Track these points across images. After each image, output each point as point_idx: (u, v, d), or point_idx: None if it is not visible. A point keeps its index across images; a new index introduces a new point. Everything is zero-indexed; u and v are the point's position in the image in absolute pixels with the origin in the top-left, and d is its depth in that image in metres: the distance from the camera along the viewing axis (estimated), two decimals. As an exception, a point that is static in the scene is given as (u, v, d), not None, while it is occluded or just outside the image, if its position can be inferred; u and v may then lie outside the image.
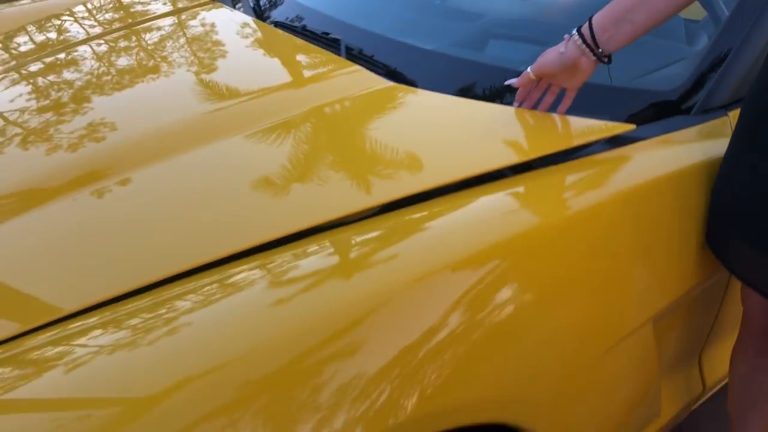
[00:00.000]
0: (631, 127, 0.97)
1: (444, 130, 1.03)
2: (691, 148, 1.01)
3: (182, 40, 1.47)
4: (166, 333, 0.66)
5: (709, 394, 1.29)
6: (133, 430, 0.58)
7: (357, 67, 1.21)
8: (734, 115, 1.04)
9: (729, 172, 0.97)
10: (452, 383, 0.71)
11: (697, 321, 1.12)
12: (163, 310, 0.69)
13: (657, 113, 1.06)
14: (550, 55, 1.00)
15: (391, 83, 1.15)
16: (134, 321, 0.69)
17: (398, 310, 0.70)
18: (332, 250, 0.77)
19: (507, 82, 1.05)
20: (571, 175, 0.92)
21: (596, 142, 0.97)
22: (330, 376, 0.64)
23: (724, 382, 1.30)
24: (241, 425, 0.60)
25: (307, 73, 1.25)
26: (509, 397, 0.78)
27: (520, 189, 0.88)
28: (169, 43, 1.46)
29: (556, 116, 1.02)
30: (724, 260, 0.99)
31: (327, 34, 1.37)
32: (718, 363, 1.22)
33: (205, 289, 0.72)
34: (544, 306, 0.81)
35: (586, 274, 0.86)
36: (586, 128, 0.98)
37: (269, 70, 1.30)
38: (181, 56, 1.36)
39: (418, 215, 0.82)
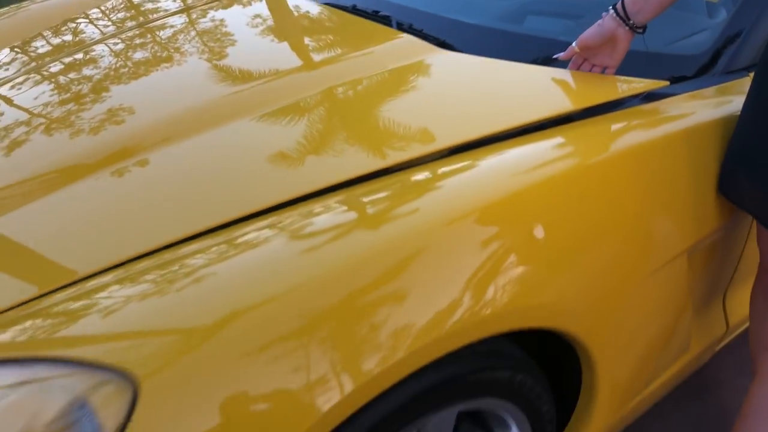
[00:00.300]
0: (665, 83, 1.09)
1: (494, 87, 1.15)
2: (717, 103, 1.13)
3: (238, 18, 1.60)
4: (208, 274, 0.75)
5: (731, 337, 1.41)
6: (197, 357, 0.67)
7: (411, 37, 1.34)
8: (756, 75, 1.17)
9: (743, 123, 1.09)
10: (504, 293, 0.82)
11: (721, 263, 1.23)
12: (212, 252, 0.79)
13: (687, 74, 1.18)
14: (591, 30, 1.14)
15: (443, 50, 1.28)
16: (176, 266, 0.78)
17: (448, 242, 0.80)
18: (392, 191, 0.88)
19: (555, 56, 1.19)
20: (613, 124, 1.04)
21: (635, 96, 1.09)
22: (387, 294, 0.75)
23: (745, 326, 1.42)
24: (311, 349, 0.70)
25: (362, 43, 1.38)
26: (557, 306, 0.89)
27: (566, 136, 1.01)
28: (222, 22, 1.59)
29: (598, 75, 1.15)
30: (735, 200, 1.11)
31: (377, 12, 1.50)
32: (740, 306, 1.34)
33: (239, 239, 0.81)
34: (586, 234, 0.92)
35: (625, 207, 0.98)
36: (626, 85, 1.11)
37: (328, 42, 1.43)
38: (247, 32, 1.49)
39: (469, 162, 0.93)
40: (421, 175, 0.91)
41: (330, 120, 1.09)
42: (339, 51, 1.34)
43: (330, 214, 0.83)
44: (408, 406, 0.81)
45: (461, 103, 1.10)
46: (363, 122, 1.07)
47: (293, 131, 1.06)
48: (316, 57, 1.34)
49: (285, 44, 1.44)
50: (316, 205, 0.86)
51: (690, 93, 1.13)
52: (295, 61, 1.33)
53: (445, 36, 1.35)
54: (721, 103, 1.13)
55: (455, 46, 1.33)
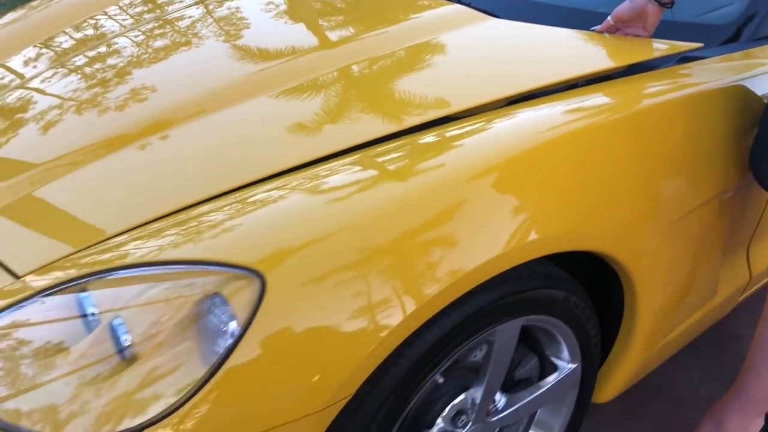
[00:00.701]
0: (699, 45, 1.22)
1: (543, 48, 1.28)
2: (744, 65, 1.25)
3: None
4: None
5: (754, 289, 1.52)
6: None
7: (460, 6, 1.48)
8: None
9: None
10: (557, 220, 0.94)
11: (746, 214, 1.35)
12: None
13: (716, 41, 1.30)
14: (624, 4, 1.28)
15: (492, 17, 1.41)
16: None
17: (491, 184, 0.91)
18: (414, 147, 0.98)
19: (592, 29, 1.32)
20: (650, 81, 1.17)
21: (670, 57, 1.22)
22: (439, 230, 0.85)
23: (765, 280, 1.54)
24: (371, 279, 0.80)
25: (413, 10, 1.51)
26: (604, 234, 1.01)
27: (607, 91, 1.13)
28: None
29: (636, 39, 1.27)
30: (761, 180, 1.21)
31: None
32: (763, 257, 1.46)
33: (250, 199, 0.90)
34: (626, 176, 1.03)
35: (660, 155, 1.09)
36: (662, 46, 1.23)
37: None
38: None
39: (514, 112, 1.05)
40: (471, 125, 1.03)
41: (379, 84, 1.21)
42: (384, 19, 1.48)
43: (345, 173, 0.91)
44: (474, 319, 0.92)
45: (512, 60, 1.23)
46: (417, 84, 1.20)
47: (332, 98, 1.18)
48: (366, 25, 1.47)
49: (348, 15, 1.57)
50: (322, 168, 0.95)
51: (720, 57, 1.25)
52: (353, 27, 1.46)
53: (492, 8, 1.47)
54: (747, 66, 1.25)
55: (502, 16, 1.45)
